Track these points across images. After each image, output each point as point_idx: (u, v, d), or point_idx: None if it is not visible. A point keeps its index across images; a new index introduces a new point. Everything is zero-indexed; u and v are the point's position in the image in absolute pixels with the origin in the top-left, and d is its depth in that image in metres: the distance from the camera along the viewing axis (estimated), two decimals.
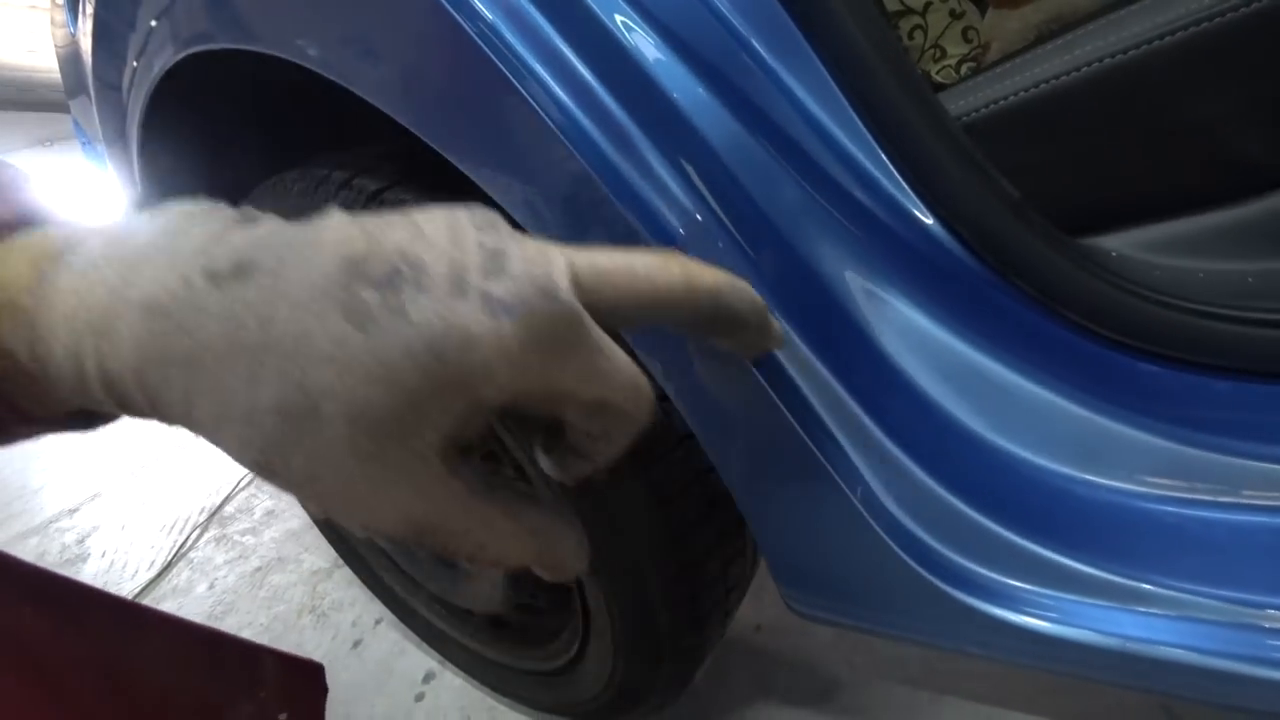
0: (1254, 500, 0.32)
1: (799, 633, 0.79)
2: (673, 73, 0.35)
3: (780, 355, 0.33)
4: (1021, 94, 0.39)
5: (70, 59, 0.79)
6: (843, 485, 0.31)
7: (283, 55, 0.42)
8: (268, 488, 1.43)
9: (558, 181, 0.35)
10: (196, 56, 0.51)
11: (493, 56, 0.33)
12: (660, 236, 0.33)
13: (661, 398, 0.43)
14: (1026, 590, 0.31)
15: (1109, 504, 0.32)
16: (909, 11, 1.20)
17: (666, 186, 0.33)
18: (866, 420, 0.32)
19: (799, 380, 0.32)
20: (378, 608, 0.99)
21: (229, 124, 0.69)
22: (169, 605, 1.18)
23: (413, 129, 0.38)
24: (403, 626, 0.92)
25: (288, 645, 1.00)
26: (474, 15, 0.33)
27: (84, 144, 0.92)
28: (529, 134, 0.33)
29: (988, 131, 0.39)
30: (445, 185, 0.45)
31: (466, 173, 0.37)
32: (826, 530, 0.34)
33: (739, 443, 0.35)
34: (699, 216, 0.33)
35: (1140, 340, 0.35)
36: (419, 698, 0.84)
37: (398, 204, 0.45)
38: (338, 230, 0.20)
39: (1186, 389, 0.34)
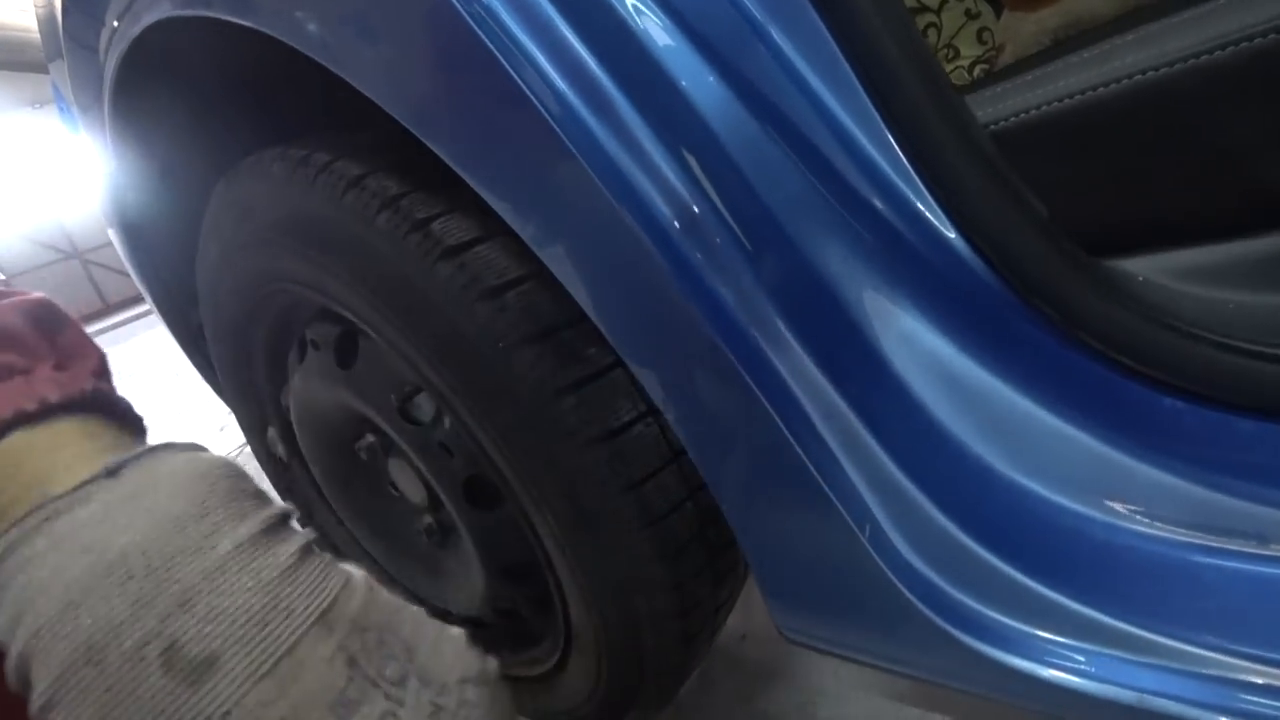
0: (1270, 552, 0.30)
1: (784, 642, 0.78)
2: (682, 60, 0.32)
3: (783, 370, 0.30)
4: (1053, 105, 0.36)
5: (49, 19, 0.74)
6: (847, 518, 0.29)
7: (278, 35, 0.39)
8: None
9: (551, 178, 0.32)
10: (184, 21, 0.47)
11: (481, 35, 0.30)
12: (653, 230, 0.30)
13: (654, 411, 0.41)
14: (1036, 636, 0.30)
15: (1125, 548, 0.31)
16: (924, 9, 1.17)
17: (665, 178, 0.31)
18: (875, 447, 0.30)
19: (803, 400, 0.30)
20: None
21: (209, 95, 0.65)
22: None
23: (404, 121, 0.35)
24: None
25: None
26: None
27: (61, 108, 0.88)
28: (521, 128, 0.31)
29: (1014, 142, 0.37)
30: (432, 177, 0.43)
31: (454, 166, 0.34)
32: (826, 560, 0.32)
33: (736, 463, 0.33)
34: (696, 209, 0.31)
35: (1164, 373, 0.33)
36: None
37: (379, 191, 0.42)
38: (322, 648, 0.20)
39: (1210, 427, 0.32)
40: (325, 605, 0.21)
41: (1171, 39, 0.33)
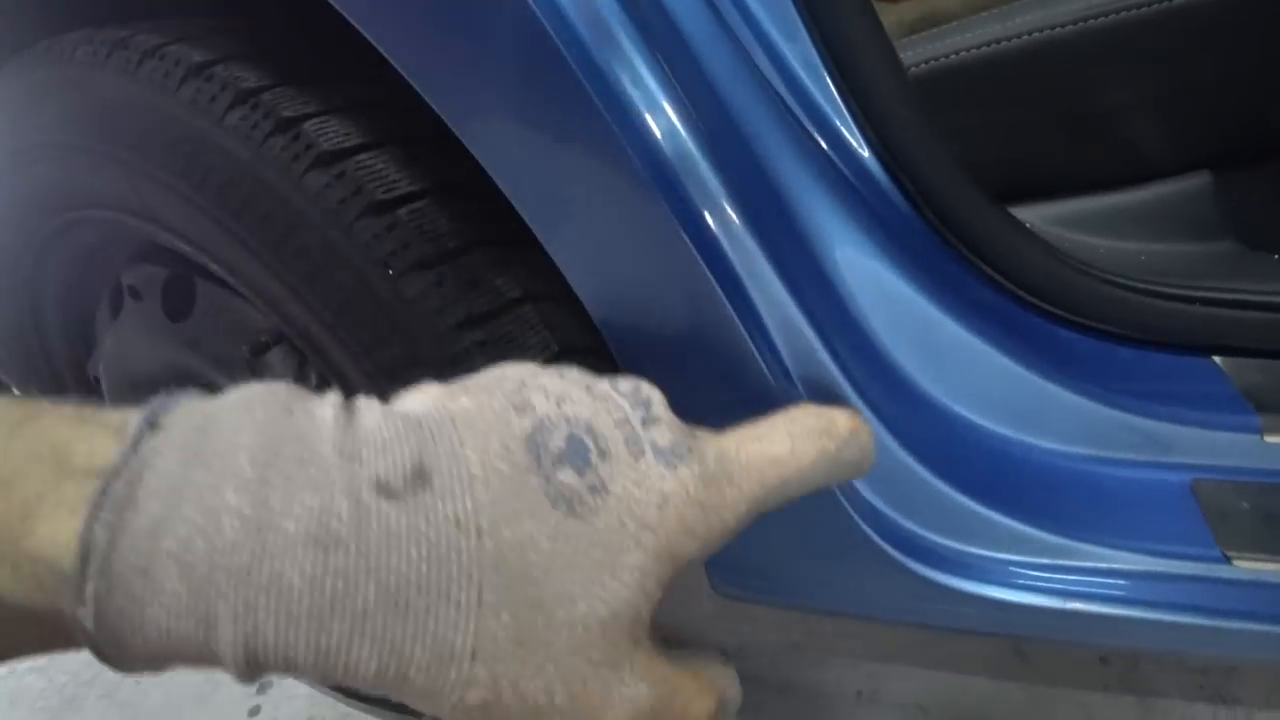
0: (1154, 459, 0.33)
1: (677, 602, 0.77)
2: None
3: (753, 293, 0.28)
4: (958, 55, 0.38)
5: None
6: None
7: None
8: None
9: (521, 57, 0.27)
10: None
11: None
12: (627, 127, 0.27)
13: (570, 352, 0.37)
14: (974, 554, 0.30)
15: (1042, 465, 0.32)
16: None
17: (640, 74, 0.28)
18: (835, 373, 0.29)
19: (759, 304, 0.28)
20: None
21: None
22: None
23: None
24: None
25: (76, 662, 0.79)
26: None
27: None
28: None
29: (926, 87, 0.39)
30: (300, 71, 0.35)
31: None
32: None
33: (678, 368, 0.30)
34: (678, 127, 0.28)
35: (1057, 306, 0.36)
36: None
37: (230, 82, 0.34)
38: (477, 404, 0.19)
39: (1097, 354, 0.36)
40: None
41: (1064, 3, 0.36)
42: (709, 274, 0.27)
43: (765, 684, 0.71)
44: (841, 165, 0.34)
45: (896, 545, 0.29)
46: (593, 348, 0.35)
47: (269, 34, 0.39)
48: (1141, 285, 0.36)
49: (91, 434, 0.16)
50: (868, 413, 0.29)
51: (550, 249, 0.31)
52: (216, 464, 0.16)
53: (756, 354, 0.27)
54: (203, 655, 0.16)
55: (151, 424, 0.16)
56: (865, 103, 0.34)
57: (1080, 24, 0.36)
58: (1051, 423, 0.33)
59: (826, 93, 0.34)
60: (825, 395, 0.29)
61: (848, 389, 0.29)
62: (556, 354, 0.35)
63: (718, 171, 0.28)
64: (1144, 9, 0.35)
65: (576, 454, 0.18)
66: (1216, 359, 0.36)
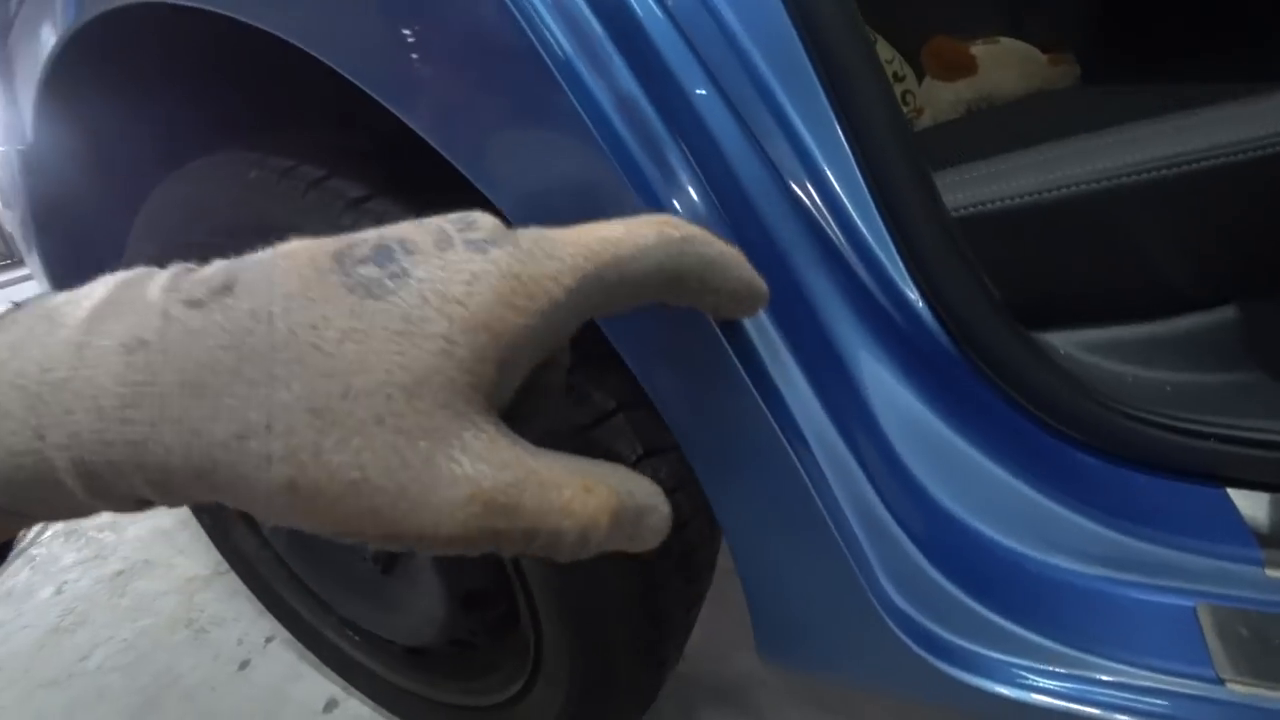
0: (1161, 582, 0.37)
1: (718, 659, 0.82)
2: (710, 103, 0.34)
3: (794, 408, 0.33)
4: (1002, 202, 0.43)
5: None
6: (851, 562, 0.33)
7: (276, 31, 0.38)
8: None
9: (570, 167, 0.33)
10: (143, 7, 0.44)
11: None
12: None
13: (650, 454, 0.43)
14: (986, 656, 0.35)
15: (1055, 581, 0.37)
16: None
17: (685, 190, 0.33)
18: (866, 487, 0.34)
19: (810, 437, 0.34)
20: (267, 623, 0.90)
21: (152, 87, 0.60)
22: (1, 613, 1.01)
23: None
24: (298, 646, 0.84)
25: (157, 665, 0.89)
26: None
27: None
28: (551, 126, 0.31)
29: (967, 227, 0.43)
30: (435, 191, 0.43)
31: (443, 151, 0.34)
32: (818, 589, 0.36)
33: (748, 498, 0.36)
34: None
35: (1081, 435, 0.40)
36: None
37: (381, 214, 0.42)
38: (306, 241, 0.19)
39: (1115, 480, 0.40)
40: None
41: (1102, 159, 0.41)
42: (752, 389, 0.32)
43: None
44: (882, 298, 0.38)
45: (917, 640, 0.34)
46: (674, 445, 0.41)
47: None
48: (1163, 419, 0.39)
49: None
50: (900, 533, 0.34)
51: (633, 371, 0.36)
52: (61, 319, 0.18)
53: (805, 477, 0.33)
54: (45, 472, 0.17)
55: (17, 305, 0.19)
56: (910, 242, 0.39)
57: (1118, 179, 0.40)
58: (1066, 543, 0.37)
59: (874, 228, 0.38)
60: (866, 513, 0.34)
61: (879, 506, 0.34)
62: (642, 455, 0.41)
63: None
64: (1181, 168, 0.39)
65: (381, 254, 0.18)
66: (1229, 490, 0.39)
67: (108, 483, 0.17)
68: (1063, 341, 0.45)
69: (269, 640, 0.90)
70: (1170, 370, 0.43)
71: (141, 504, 0.19)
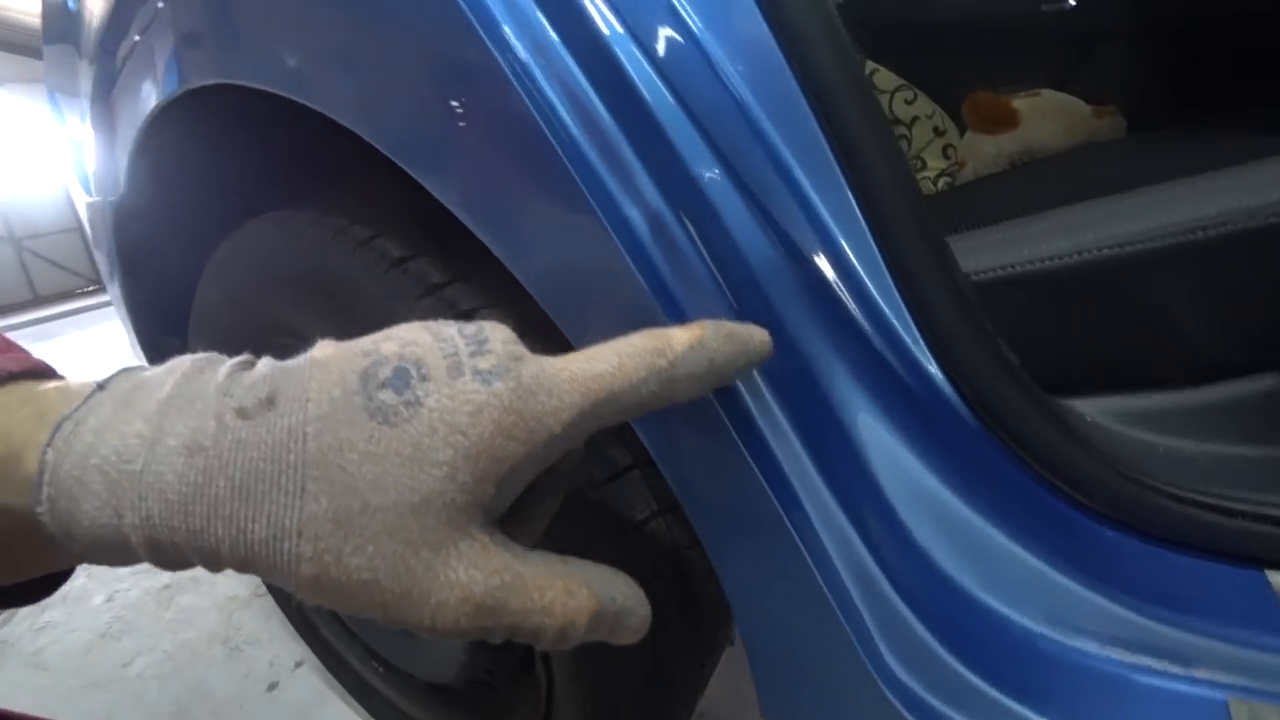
0: (1188, 673, 0.35)
1: (735, 716, 0.80)
2: (719, 185, 0.36)
3: (791, 476, 0.34)
4: (1026, 266, 0.43)
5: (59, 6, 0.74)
6: (845, 626, 0.33)
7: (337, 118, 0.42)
8: None
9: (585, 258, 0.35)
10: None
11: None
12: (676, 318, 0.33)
13: (664, 511, 0.44)
14: None
15: (1072, 665, 0.35)
16: (897, 122, 1.29)
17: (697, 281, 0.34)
18: (870, 563, 0.34)
19: (813, 514, 0.34)
20: (299, 648, 0.93)
21: (233, 150, 0.66)
22: (56, 615, 1.07)
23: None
24: (325, 672, 0.87)
25: (192, 678, 0.93)
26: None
27: (52, 99, 0.87)
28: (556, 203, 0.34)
29: (987, 293, 0.43)
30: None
31: (459, 215, 0.37)
32: (819, 659, 0.35)
33: (752, 571, 0.36)
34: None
35: (1106, 508, 0.38)
36: None
37: (422, 276, 0.45)
38: (339, 351, 0.22)
39: (1142, 559, 0.38)
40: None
41: (1127, 223, 0.40)
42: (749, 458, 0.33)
43: None
44: (896, 366, 0.38)
45: (917, 715, 0.33)
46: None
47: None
48: (1195, 496, 0.38)
49: (67, 398, 0.22)
50: (902, 605, 0.34)
51: (638, 432, 0.38)
52: (137, 408, 0.21)
53: (802, 547, 0.33)
54: (120, 542, 0.21)
55: (101, 386, 0.22)
56: (924, 308, 0.38)
57: (1145, 245, 0.40)
58: (1084, 624, 0.36)
59: (888, 296, 0.39)
60: (866, 584, 0.34)
61: (881, 577, 0.34)
62: (655, 511, 0.42)
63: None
64: (1210, 231, 0.39)
65: (399, 379, 0.21)
66: (1268, 573, 0.37)
67: (170, 555, 0.21)
68: (1090, 409, 0.44)
69: (299, 664, 0.93)
70: (1202, 441, 0.41)
71: (194, 566, 0.23)
